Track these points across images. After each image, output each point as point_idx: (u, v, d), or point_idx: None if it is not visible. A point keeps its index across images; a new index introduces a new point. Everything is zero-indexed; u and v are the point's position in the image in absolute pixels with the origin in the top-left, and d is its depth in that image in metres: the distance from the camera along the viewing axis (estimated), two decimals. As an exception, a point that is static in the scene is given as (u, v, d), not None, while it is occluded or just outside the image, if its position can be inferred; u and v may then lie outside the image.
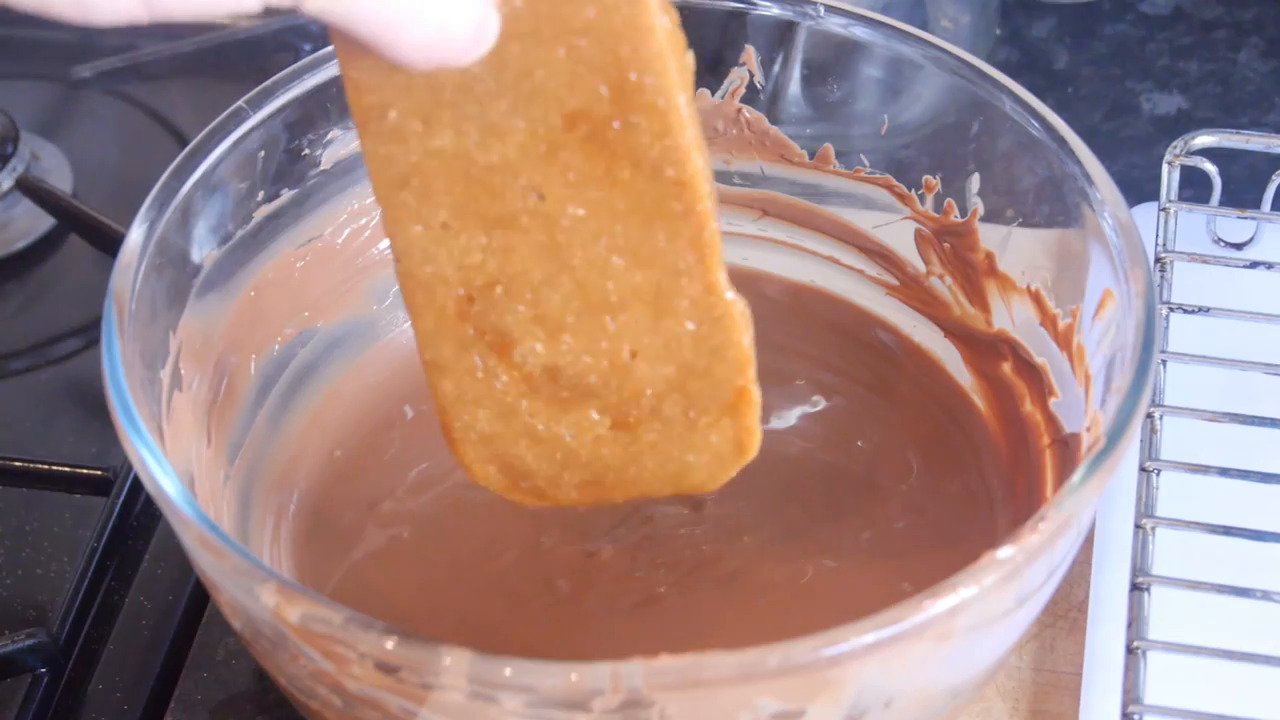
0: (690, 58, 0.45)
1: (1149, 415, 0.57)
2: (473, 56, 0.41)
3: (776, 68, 0.59)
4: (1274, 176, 0.63)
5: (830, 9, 0.56)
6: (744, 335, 0.46)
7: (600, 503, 0.49)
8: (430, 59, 0.40)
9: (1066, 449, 0.51)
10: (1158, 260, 0.61)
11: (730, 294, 0.46)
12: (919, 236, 0.58)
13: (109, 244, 0.66)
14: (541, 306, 0.47)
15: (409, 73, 0.43)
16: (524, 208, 0.46)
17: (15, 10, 0.36)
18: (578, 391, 0.47)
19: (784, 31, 0.57)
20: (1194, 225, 0.64)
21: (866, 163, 0.59)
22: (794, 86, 0.59)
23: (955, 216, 0.57)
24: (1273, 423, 0.57)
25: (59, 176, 0.73)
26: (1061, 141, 0.52)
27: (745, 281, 0.61)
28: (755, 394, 0.47)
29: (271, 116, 0.53)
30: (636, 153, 0.45)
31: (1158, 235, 0.62)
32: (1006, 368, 0.56)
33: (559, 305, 0.47)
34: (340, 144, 0.56)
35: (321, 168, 0.56)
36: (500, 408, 0.48)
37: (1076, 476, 0.44)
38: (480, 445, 0.49)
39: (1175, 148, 0.64)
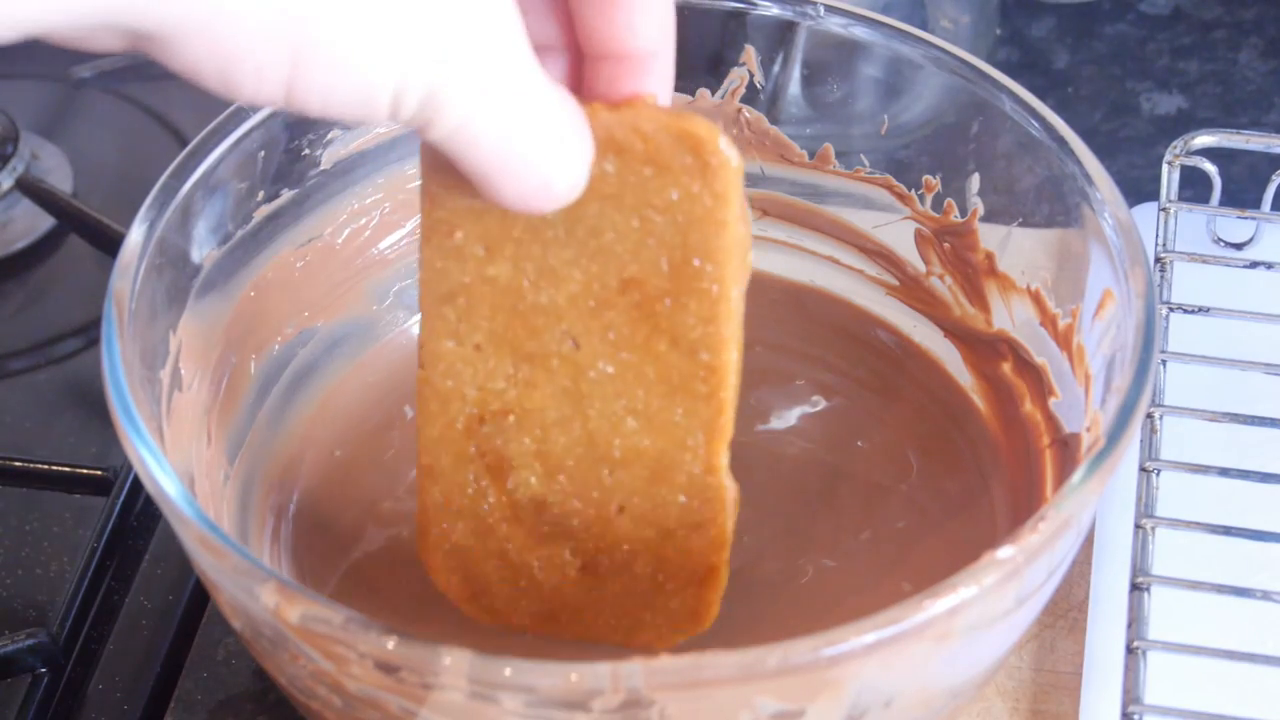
0: (751, 258, 0.47)
1: (1149, 415, 0.57)
2: (558, 207, 0.43)
3: (776, 68, 0.59)
4: (1274, 176, 0.63)
5: (830, 9, 0.56)
6: (729, 519, 0.48)
7: (548, 635, 0.50)
8: (524, 205, 0.42)
9: (1066, 449, 0.51)
10: (1158, 260, 0.61)
11: (728, 480, 0.48)
12: (919, 236, 0.58)
13: (109, 244, 0.66)
14: (547, 444, 0.48)
15: (487, 202, 0.44)
16: (557, 351, 0.47)
17: (171, 69, 0.36)
18: (558, 530, 0.49)
19: (784, 31, 0.57)
20: (1194, 225, 0.64)
21: (866, 163, 0.59)
22: (794, 86, 0.59)
23: (955, 216, 0.57)
24: (1273, 423, 0.57)
25: (59, 176, 0.73)
26: (1061, 141, 0.52)
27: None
28: (724, 575, 0.49)
29: (271, 116, 0.53)
30: (678, 330, 0.46)
31: (1158, 235, 0.62)
32: (1006, 368, 0.56)
33: (564, 447, 0.48)
34: (340, 144, 0.56)
35: (321, 168, 0.56)
36: (479, 526, 0.49)
37: (1076, 476, 0.44)
38: (450, 555, 0.50)
39: (1175, 148, 0.64)
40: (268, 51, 0.36)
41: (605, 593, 0.49)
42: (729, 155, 0.44)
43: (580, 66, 0.44)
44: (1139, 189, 0.69)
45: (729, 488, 0.48)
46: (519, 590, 0.50)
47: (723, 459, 0.47)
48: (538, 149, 0.41)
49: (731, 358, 0.47)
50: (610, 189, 0.45)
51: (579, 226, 0.46)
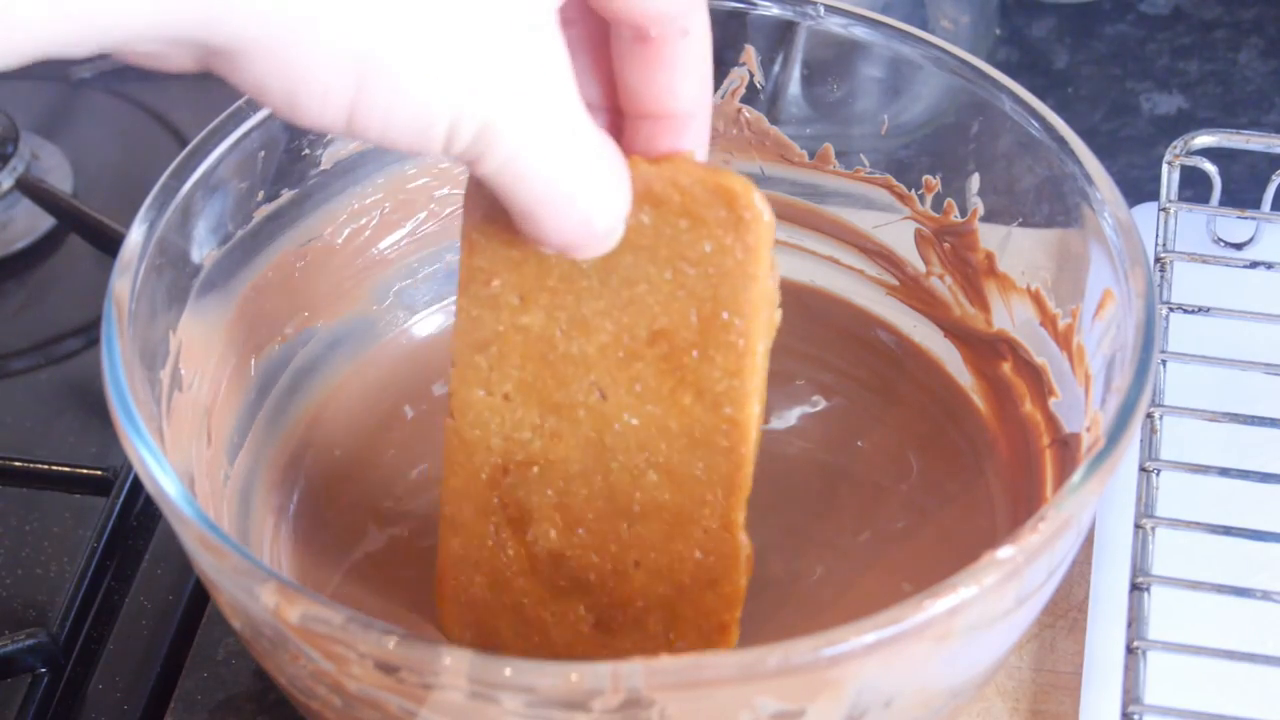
0: (779, 315, 0.48)
1: (1149, 415, 0.57)
2: (595, 253, 0.44)
3: (776, 68, 0.59)
4: (1274, 176, 0.63)
5: (830, 9, 0.56)
6: (743, 577, 0.48)
7: None
8: (562, 244, 0.43)
9: (1066, 449, 0.51)
10: (1158, 260, 0.61)
11: (743, 536, 0.48)
12: (919, 236, 0.58)
13: (109, 244, 0.66)
14: (569, 497, 0.49)
15: (525, 250, 0.46)
16: (584, 402, 0.48)
17: (244, 92, 0.38)
18: (574, 584, 0.49)
19: (784, 31, 0.57)
20: (1194, 225, 0.64)
21: (866, 163, 0.59)
22: (794, 86, 0.59)
23: (955, 216, 0.57)
24: (1273, 423, 0.57)
25: (59, 176, 0.73)
26: (1061, 141, 0.52)
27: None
28: (735, 634, 0.49)
29: (271, 116, 0.53)
30: (704, 384, 0.47)
31: (1158, 235, 0.62)
32: (1006, 368, 0.56)
33: (585, 499, 0.48)
34: (340, 144, 0.56)
35: (321, 168, 0.56)
36: (497, 578, 0.50)
37: (1076, 476, 0.44)
38: (467, 608, 0.50)
39: (1175, 148, 0.64)
40: (335, 76, 0.37)
41: (616, 649, 0.49)
42: (762, 210, 0.45)
43: (620, 124, 0.46)
44: (1139, 189, 0.69)
45: (746, 545, 0.48)
46: (531, 644, 0.50)
47: (740, 515, 0.48)
48: (582, 187, 0.42)
49: (754, 413, 0.47)
50: (645, 240, 0.46)
51: (613, 277, 0.47)
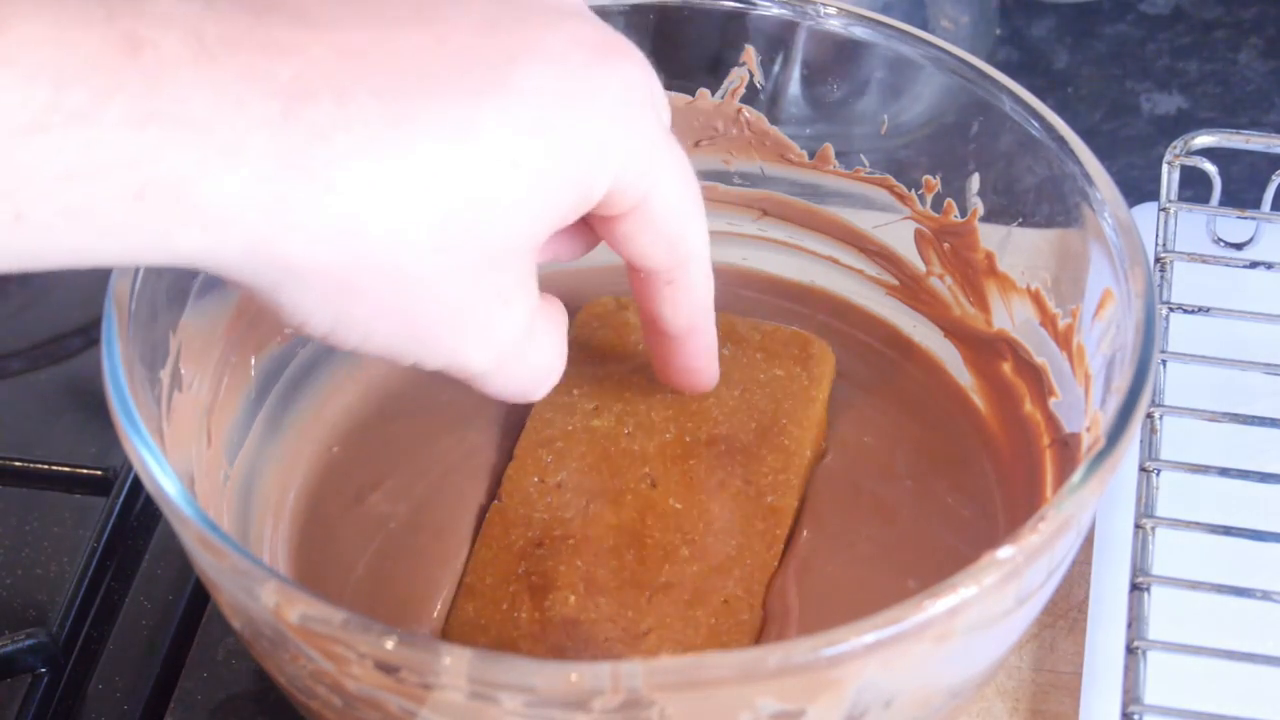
0: (826, 427, 0.55)
1: (1149, 415, 0.57)
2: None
3: (776, 68, 0.59)
4: (1274, 176, 0.63)
5: (830, 9, 0.56)
6: (753, 641, 0.49)
7: None
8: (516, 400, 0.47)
9: (1066, 449, 0.51)
10: (1158, 260, 0.61)
11: (759, 609, 0.50)
12: (919, 236, 0.58)
13: (109, 244, 0.66)
14: (598, 568, 0.50)
15: (607, 369, 0.54)
16: (633, 489, 0.52)
17: (276, 309, 0.41)
18: (582, 646, 0.50)
19: (784, 31, 0.57)
20: (1194, 225, 0.64)
21: (866, 163, 0.59)
22: (794, 86, 0.59)
23: (955, 216, 0.57)
24: (1273, 423, 0.57)
25: (59, 176, 0.73)
26: (1061, 141, 0.52)
27: (745, 281, 0.61)
28: None
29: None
30: (752, 476, 0.52)
31: (1158, 235, 0.62)
32: (1006, 368, 0.56)
33: (613, 571, 0.50)
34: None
35: (321, 168, 0.56)
36: (502, 641, 0.50)
37: (1076, 476, 0.44)
38: None
39: (1175, 148, 0.64)
40: (383, 322, 0.41)
41: None
42: (828, 348, 0.56)
43: None
44: (1139, 189, 0.69)
45: (759, 615, 0.49)
46: None
47: (763, 588, 0.50)
48: (532, 390, 0.47)
49: (794, 503, 0.51)
50: (723, 368, 0.53)
51: (683, 394, 0.53)
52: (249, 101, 0.37)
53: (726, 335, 0.53)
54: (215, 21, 0.37)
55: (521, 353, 0.45)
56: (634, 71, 0.44)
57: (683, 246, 0.47)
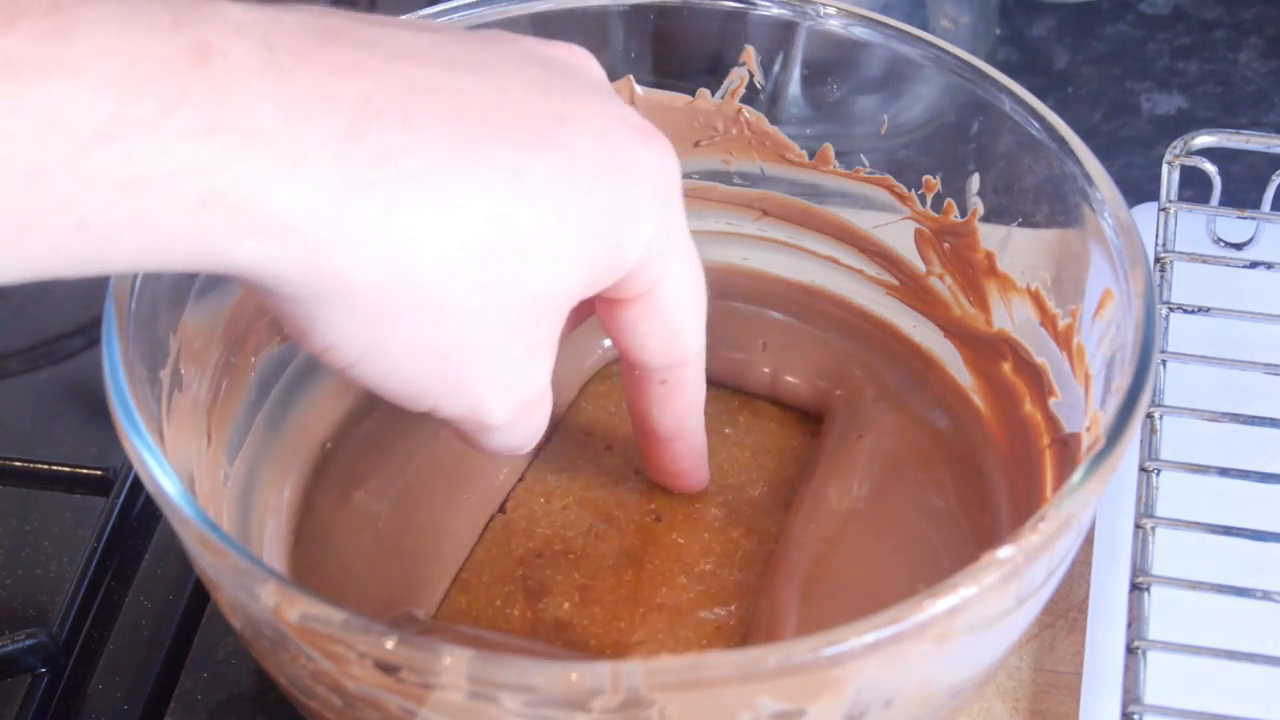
0: None
1: (1149, 415, 0.57)
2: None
3: (776, 68, 0.59)
4: (1274, 176, 0.63)
5: (830, 9, 0.56)
6: None
7: None
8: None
9: (1066, 449, 0.51)
10: (1158, 260, 0.61)
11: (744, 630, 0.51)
12: (919, 236, 0.58)
13: (109, 244, 0.66)
14: (595, 582, 0.51)
15: (622, 412, 0.54)
16: (638, 520, 0.53)
17: (309, 339, 0.41)
18: (570, 648, 0.50)
19: (784, 31, 0.57)
20: (1194, 225, 0.64)
21: (866, 163, 0.59)
22: (794, 86, 0.59)
23: (955, 216, 0.57)
24: (1273, 423, 0.57)
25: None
26: (1061, 141, 0.52)
27: (745, 281, 0.61)
28: None
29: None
30: (754, 524, 0.54)
31: (1158, 235, 0.62)
32: (1006, 368, 0.56)
33: (610, 587, 0.51)
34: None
35: (321, 168, 0.56)
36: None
37: (1076, 476, 0.44)
38: None
39: (1175, 148, 0.64)
40: (412, 358, 0.41)
41: None
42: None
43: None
44: (1139, 189, 0.69)
45: (743, 637, 0.50)
46: None
47: (751, 613, 0.51)
48: (520, 444, 0.47)
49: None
50: (737, 436, 0.56)
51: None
52: (316, 115, 0.37)
53: (741, 405, 0.57)
54: (283, 35, 0.37)
55: (533, 411, 0.45)
56: (667, 158, 0.44)
57: (679, 345, 0.47)
